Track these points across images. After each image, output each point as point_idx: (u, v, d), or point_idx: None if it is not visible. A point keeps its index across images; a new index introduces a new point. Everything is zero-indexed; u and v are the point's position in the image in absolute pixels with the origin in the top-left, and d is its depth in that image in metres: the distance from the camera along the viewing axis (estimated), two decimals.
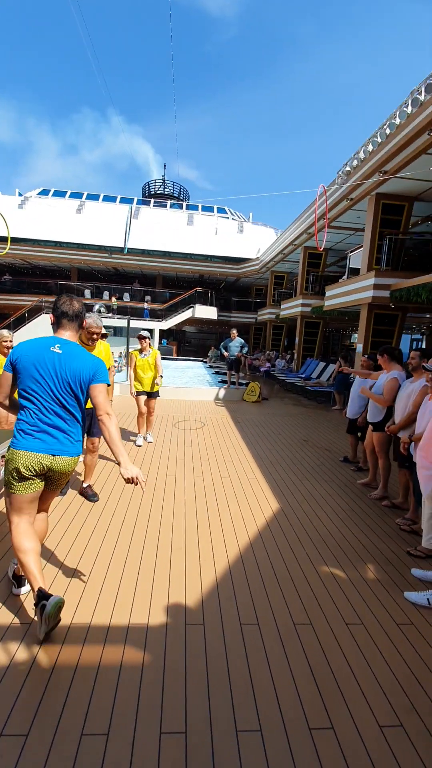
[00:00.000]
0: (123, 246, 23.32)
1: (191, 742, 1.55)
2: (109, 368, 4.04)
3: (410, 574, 2.85)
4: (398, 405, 3.75)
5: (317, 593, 2.56)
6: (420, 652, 2.13)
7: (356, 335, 10.69)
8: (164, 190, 31.74)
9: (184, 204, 26.47)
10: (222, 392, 10.52)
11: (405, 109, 6.83)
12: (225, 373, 11.58)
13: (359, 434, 5.08)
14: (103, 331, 4.61)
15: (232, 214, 26.26)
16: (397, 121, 7.09)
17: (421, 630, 2.30)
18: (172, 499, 3.88)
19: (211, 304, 23.10)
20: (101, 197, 25.57)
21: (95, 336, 3.51)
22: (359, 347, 10.07)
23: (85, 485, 3.85)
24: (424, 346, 18.09)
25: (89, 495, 3.76)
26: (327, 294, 12.27)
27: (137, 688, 1.77)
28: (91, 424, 3.75)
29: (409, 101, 6.68)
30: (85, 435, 3.72)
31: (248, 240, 24.27)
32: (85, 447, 3.62)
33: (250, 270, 23.23)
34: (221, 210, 25.85)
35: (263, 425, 7.52)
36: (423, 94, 6.41)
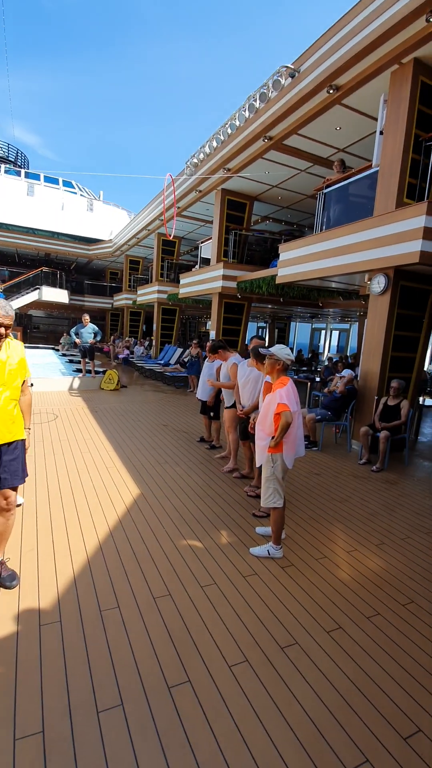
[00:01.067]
0: None
1: (49, 739, 1.51)
2: (24, 385, 2.54)
3: (255, 533, 3.27)
4: (243, 390, 4.18)
5: (175, 565, 2.73)
6: (261, 596, 2.49)
7: (210, 322, 11.39)
8: None
9: (23, 171, 23.35)
10: (77, 382, 9.94)
11: (243, 113, 7.38)
12: (80, 362, 10.93)
13: (211, 414, 5.49)
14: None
15: (80, 189, 24.35)
16: (237, 123, 7.62)
17: (263, 577, 2.68)
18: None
19: (60, 287, 21.31)
20: None
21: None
22: (212, 333, 10.75)
23: None
24: (267, 334, 20.36)
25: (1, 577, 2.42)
26: (182, 282, 12.66)
27: None
28: None
29: (247, 106, 7.25)
30: None
31: (99, 219, 23.03)
32: None
33: (103, 252, 22.19)
34: (68, 184, 23.68)
35: (123, 413, 7.43)
36: (258, 101, 7.02)
